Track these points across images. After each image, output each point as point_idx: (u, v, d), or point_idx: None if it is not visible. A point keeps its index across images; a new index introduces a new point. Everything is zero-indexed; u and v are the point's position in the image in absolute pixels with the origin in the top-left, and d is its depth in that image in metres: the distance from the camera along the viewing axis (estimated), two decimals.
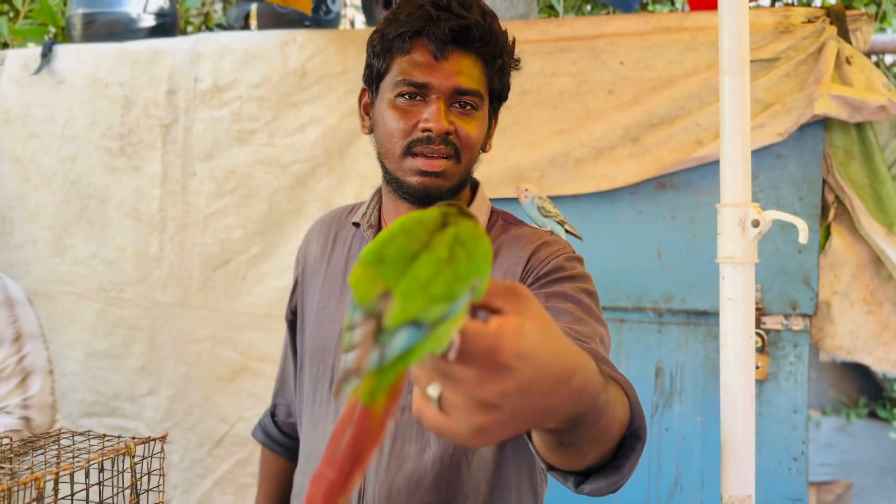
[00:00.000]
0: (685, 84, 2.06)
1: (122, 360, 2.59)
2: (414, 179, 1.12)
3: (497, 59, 1.13)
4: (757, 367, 2.03)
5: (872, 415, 3.90)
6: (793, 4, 3.62)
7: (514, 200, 2.16)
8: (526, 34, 2.20)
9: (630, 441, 0.80)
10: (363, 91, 1.22)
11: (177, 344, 2.53)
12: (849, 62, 1.96)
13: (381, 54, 1.14)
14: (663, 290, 2.12)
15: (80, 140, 2.61)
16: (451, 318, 0.52)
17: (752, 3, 2.54)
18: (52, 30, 3.01)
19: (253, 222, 2.44)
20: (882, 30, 3.47)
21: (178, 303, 2.53)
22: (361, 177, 2.34)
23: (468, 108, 1.12)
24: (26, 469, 1.01)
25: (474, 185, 1.26)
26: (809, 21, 1.99)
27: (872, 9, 3.51)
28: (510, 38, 1.18)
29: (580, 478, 0.82)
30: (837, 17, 1.99)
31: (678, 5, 3.63)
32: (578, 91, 2.16)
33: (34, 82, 2.64)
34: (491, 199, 1.28)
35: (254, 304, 2.45)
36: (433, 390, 0.56)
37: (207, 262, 2.49)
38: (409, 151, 1.12)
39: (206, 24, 3.70)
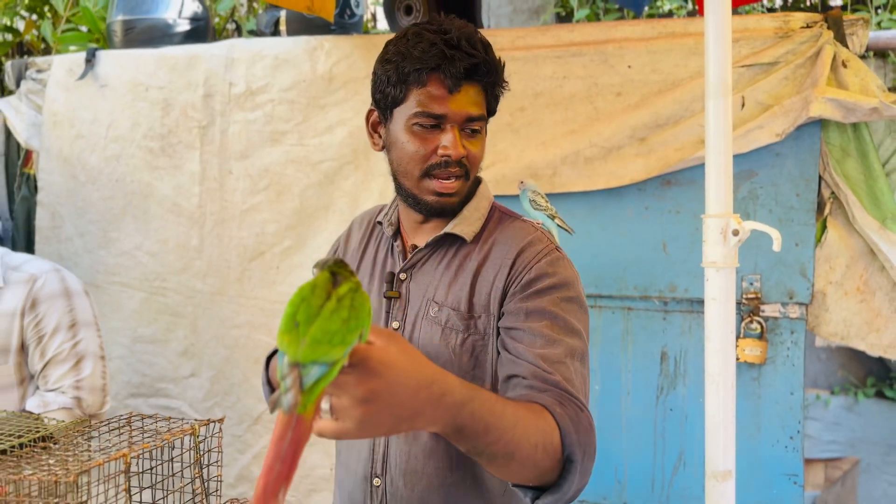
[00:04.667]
0: (689, 87, 2.19)
1: (165, 344, 2.80)
2: (431, 198, 1.28)
3: (496, 86, 1.29)
4: (755, 353, 2.18)
5: (880, 394, 4.02)
6: (790, 8, 3.70)
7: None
8: (539, 39, 2.33)
9: (567, 464, 1.04)
10: (371, 111, 1.36)
11: (217, 329, 2.73)
12: (845, 65, 2.08)
13: (396, 84, 1.27)
14: (668, 280, 2.26)
15: (123, 140, 2.79)
16: (346, 356, 0.79)
17: (747, 6, 2.65)
18: (92, 34, 3.19)
19: (285, 217, 2.62)
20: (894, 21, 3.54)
21: (217, 291, 2.72)
22: (386, 174, 2.44)
23: (474, 132, 1.28)
24: (113, 447, 1.19)
25: (477, 182, 1.40)
26: (808, 26, 2.10)
27: None
28: (502, 64, 1.32)
29: (536, 493, 1.06)
30: (835, 23, 2.10)
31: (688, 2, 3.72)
32: (589, 93, 2.29)
33: (79, 86, 2.83)
34: (505, 196, 1.42)
35: (287, 292, 2.63)
36: (325, 404, 0.82)
37: (244, 254, 2.68)
38: (427, 174, 1.27)
39: (236, 21, 3.86)
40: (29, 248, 2.97)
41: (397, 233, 1.41)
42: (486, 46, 1.27)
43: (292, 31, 2.70)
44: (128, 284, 2.83)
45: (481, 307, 1.27)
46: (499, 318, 1.25)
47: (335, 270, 0.85)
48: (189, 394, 2.78)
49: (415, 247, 1.38)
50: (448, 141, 1.24)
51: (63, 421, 2.06)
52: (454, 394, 0.94)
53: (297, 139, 2.58)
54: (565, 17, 4.26)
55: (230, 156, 2.66)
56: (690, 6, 3.74)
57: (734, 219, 1.19)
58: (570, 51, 2.30)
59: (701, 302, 2.25)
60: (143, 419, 1.34)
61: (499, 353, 1.23)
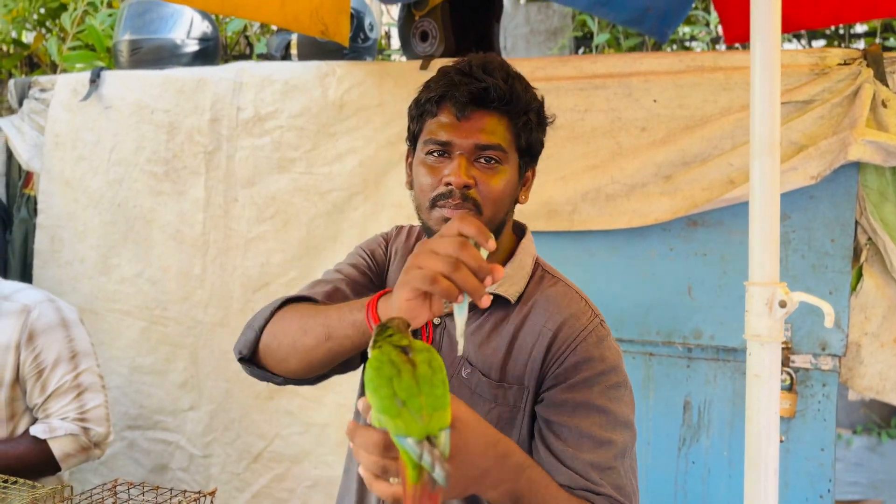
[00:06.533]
0: (718, 124, 2.08)
1: (164, 375, 2.70)
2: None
3: (521, 116, 1.20)
4: (784, 406, 2.05)
5: None
6: (832, 44, 3.59)
7: (546, 234, 2.22)
8: (560, 70, 2.23)
9: None
10: (408, 150, 1.31)
11: (218, 361, 2.63)
12: (885, 105, 1.96)
13: (415, 118, 1.25)
14: (693, 325, 2.14)
15: (126, 164, 2.70)
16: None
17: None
18: (98, 52, 3.11)
19: (292, 247, 2.52)
20: None
21: (219, 322, 2.62)
22: (396, 206, 2.40)
23: (493, 162, 1.19)
24: None
25: (521, 234, 1.32)
26: (845, 63, 1.99)
27: None
28: (538, 97, 1.25)
29: None
30: (874, 60, 1.99)
31: (712, 26, 3.61)
32: (612, 127, 2.18)
33: (83, 107, 2.75)
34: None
35: None
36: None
37: (248, 284, 2.58)
38: (434, 204, 1.19)
39: (247, 38, 3.79)
40: (24, 271, 2.88)
41: None
42: (509, 75, 1.20)
43: (304, 56, 2.61)
44: (127, 312, 2.73)
45: (515, 377, 1.18)
46: (535, 395, 1.16)
47: (395, 342, 0.85)
48: (188, 428, 2.68)
49: None
50: (450, 168, 1.17)
51: (69, 453, 1.99)
52: (515, 456, 0.95)
53: (306, 167, 2.48)
54: (583, 40, 4.17)
55: (236, 183, 2.57)
56: (715, 33, 3.63)
57: (781, 288, 1.08)
58: (592, 83, 2.19)
59: (728, 350, 2.15)
60: (129, 488, 1.23)
61: (531, 436, 1.15)
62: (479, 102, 1.17)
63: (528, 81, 1.23)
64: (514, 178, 1.23)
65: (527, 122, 1.21)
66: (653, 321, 2.18)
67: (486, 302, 0.91)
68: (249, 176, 2.55)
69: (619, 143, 2.17)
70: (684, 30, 3.92)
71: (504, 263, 1.26)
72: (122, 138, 2.70)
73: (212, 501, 1.20)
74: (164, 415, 2.71)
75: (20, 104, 2.86)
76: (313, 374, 1.22)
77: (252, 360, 1.26)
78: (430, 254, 0.94)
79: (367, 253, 1.39)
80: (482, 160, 1.18)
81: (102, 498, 1.20)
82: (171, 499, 1.18)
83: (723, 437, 2.15)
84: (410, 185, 1.28)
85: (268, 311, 1.23)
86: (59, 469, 2.02)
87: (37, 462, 1.98)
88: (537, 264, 1.30)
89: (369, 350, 0.85)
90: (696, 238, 2.14)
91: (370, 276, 1.36)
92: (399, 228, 1.43)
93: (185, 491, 1.20)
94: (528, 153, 1.25)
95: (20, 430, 2.06)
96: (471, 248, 0.93)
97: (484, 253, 0.96)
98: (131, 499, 1.21)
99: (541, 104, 1.25)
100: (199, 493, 1.20)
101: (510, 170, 1.21)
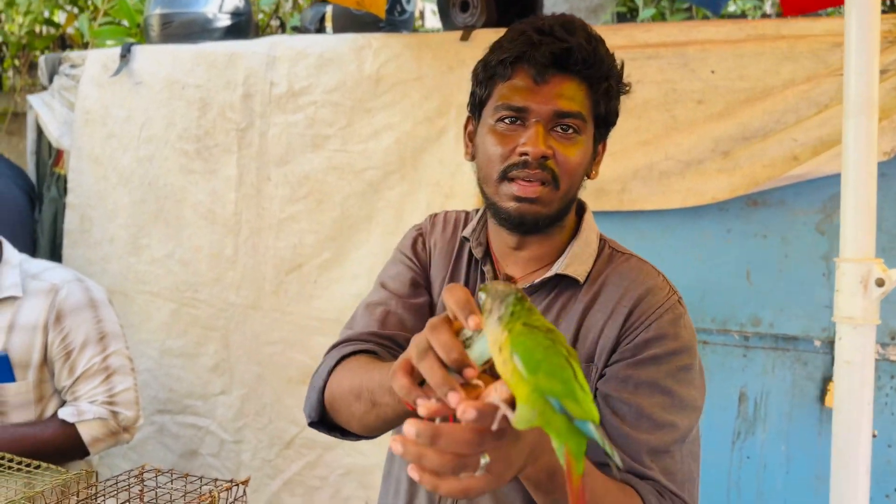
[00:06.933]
0: (781, 96, 1.94)
1: (195, 358, 2.63)
2: (510, 205, 1.11)
3: (602, 82, 1.11)
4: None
5: None
6: None
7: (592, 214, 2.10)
8: (610, 39, 2.05)
9: None
10: (468, 119, 1.21)
11: (249, 345, 2.56)
12: None
13: (483, 81, 1.14)
14: (751, 312, 2.02)
15: (157, 141, 2.64)
16: None
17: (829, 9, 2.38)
18: (129, 28, 3.05)
19: (325, 227, 2.43)
20: None
21: (251, 305, 2.55)
22: (434, 184, 2.30)
23: (570, 131, 1.09)
24: None
25: (581, 211, 1.23)
26: None
27: None
28: (619, 62, 1.15)
29: None
30: None
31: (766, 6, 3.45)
32: (666, 100, 2.06)
33: (113, 83, 2.68)
34: None
35: (325, 308, 2.45)
36: (484, 460, 0.74)
37: (280, 266, 2.50)
38: (505, 176, 1.10)
39: (280, 18, 3.70)
40: (53, 251, 2.83)
41: (486, 255, 1.22)
42: (591, 36, 1.10)
43: (338, 29, 2.52)
44: (158, 294, 2.67)
45: (583, 356, 1.09)
46: (600, 375, 1.08)
47: (534, 323, 0.72)
48: (218, 412, 2.61)
49: (508, 277, 1.19)
50: (527, 136, 1.07)
51: (97, 437, 1.93)
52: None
53: (341, 144, 2.39)
54: (626, 16, 4.01)
55: (269, 161, 2.48)
56: (767, 8, 3.46)
57: (878, 265, 0.95)
58: (645, 52, 2.07)
59: (787, 338, 2.02)
60: (156, 475, 1.15)
61: None
62: (560, 65, 1.07)
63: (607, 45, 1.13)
64: (590, 151, 1.14)
65: (608, 90, 1.11)
66: (708, 307, 2.05)
67: (468, 415, 0.69)
68: (282, 154, 2.46)
69: (673, 116, 2.04)
70: (733, 6, 3.76)
71: (568, 242, 1.18)
72: (152, 114, 2.63)
73: (244, 491, 1.11)
74: (195, 399, 2.65)
75: (50, 80, 2.81)
76: (375, 435, 1.12)
77: (323, 420, 1.16)
78: (415, 338, 0.79)
79: (408, 255, 1.28)
80: (559, 129, 1.09)
81: (129, 485, 1.11)
82: (201, 487, 1.10)
83: (780, 431, 2.02)
84: (472, 157, 1.20)
85: (325, 371, 1.14)
86: (87, 453, 1.96)
87: (66, 446, 1.93)
88: (603, 241, 1.21)
89: (501, 325, 0.71)
90: (756, 218, 2.01)
91: (417, 280, 1.26)
92: (433, 218, 1.32)
93: (217, 480, 1.11)
94: (605, 123, 1.15)
95: (48, 412, 2.01)
96: (443, 331, 0.75)
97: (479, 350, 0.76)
98: (159, 486, 1.12)
99: (621, 70, 1.15)
100: (231, 481, 1.11)
101: (587, 141, 1.12)
